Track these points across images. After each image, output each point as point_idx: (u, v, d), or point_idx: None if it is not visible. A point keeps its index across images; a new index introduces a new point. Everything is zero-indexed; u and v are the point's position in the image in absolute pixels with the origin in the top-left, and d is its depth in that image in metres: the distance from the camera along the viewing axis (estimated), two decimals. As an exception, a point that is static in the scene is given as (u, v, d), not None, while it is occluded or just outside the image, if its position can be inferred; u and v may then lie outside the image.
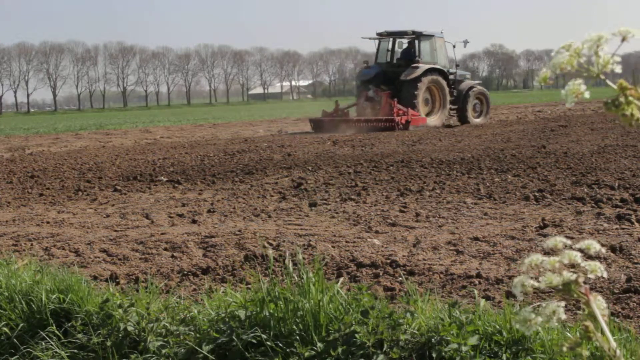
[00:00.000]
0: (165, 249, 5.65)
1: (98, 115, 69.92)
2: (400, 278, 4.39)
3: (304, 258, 4.91)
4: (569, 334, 2.71)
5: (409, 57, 21.33)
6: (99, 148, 18.12)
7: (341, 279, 3.90)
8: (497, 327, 2.87)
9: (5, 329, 3.50)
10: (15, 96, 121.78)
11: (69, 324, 3.42)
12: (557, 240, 0.93)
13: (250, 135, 20.94)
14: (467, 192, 7.87)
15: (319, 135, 19.00)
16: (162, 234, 6.26)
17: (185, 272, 4.88)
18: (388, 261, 4.88)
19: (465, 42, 22.29)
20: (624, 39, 0.86)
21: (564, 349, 0.88)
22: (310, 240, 5.65)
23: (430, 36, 21.50)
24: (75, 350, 3.26)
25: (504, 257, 4.90)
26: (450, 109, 21.68)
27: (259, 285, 3.22)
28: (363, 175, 9.61)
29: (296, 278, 3.27)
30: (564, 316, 0.87)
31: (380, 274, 4.60)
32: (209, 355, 3.02)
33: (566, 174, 8.77)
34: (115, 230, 6.58)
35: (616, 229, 5.63)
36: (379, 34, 21.91)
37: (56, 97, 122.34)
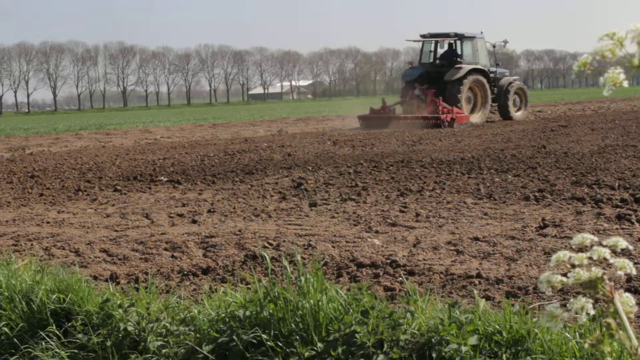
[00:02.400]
0: (166, 249, 5.65)
1: (98, 115, 69.93)
2: (401, 278, 4.39)
3: (304, 258, 4.92)
4: (568, 335, 2.71)
5: (451, 57, 22.37)
6: (99, 148, 18.12)
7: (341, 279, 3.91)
8: (497, 327, 2.87)
9: (5, 329, 3.50)
10: (15, 96, 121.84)
11: (69, 324, 3.42)
12: (584, 237, 0.93)
13: (250, 135, 20.93)
14: (467, 192, 7.87)
15: (319, 136, 19.00)
16: (162, 234, 6.26)
17: (186, 272, 4.88)
18: (388, 261, 4.88)
19: (505, 42, 23.18)
20: None
21: (586, 345, 0.88)
22: (310, 241, 5.65)
23: (471, 37, 22.54)
24: (75, 350, 3.26)
25: (504, 257, 4.90)
26: (492, 105, 22.75)
27: (259, 285, 3.22)
28: (363, 175, 9.61)
29: (294, 278, 3.27)
30: (592, 312, 0.87)
31: (380, 274, 4.60)
32: (209, 355, 3.02)
33: (566, 174, 8.77)
34: (116, 230, 6.58)
35: (616, 229, 5.63)
36: (422, 36, 22.97)
37: (56, 97, 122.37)
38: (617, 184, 7.69)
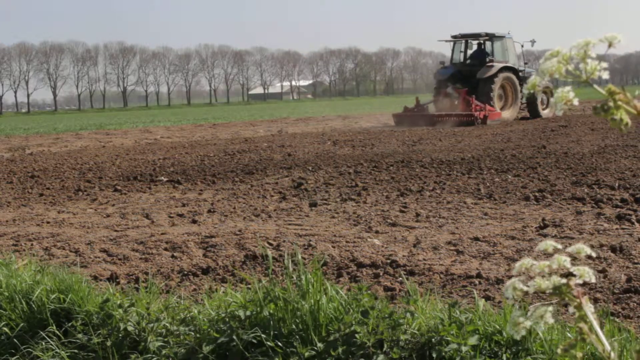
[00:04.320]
0: (166, 249, 5.65)
1: (98, 115, 69.94)
2: (401, 278, 4.39)
3: (304, 258, 4.91)
4: (569, 334, 2.71)
5: (481, 57, 22.99)
6: (99, 148, 18.12)
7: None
8: (497, 327, 2.87)
9: (6, 329, 3.50)
10: (15, 96, 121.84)
11: (69, 324, 3.42)
12: (548, 244, 0.94)
13: (250, 135, 20.93)
14: (467, 192, 7.87)
15: (319, 136, 19.00)
16: (162, 234, 6.26)
17: (186, 272, 4.88)
18: (388, 261, 4.88)
19: (532, 42, 23.60)
20: (610, 45, 0.88)
21: (559, 350, 0.89)
22: (310, 240, 5.65)
23: (501, 37, 23.27)
24: (75, 350, 3.26)
25: (504, 257, 4.90)
26: (521, 103, 23.39)
27: (259, 285, 3.22)
28: (363, 175, 9.61)
29: (295, 278, 3.27)
30: (551, 320, 0.88)
31: (381, 274, 4.60)
32: (209, 355, 3.02)
33: (566, 174, 8.77)
34: (116, 230, 6.58)
35: (616, 229, 5.63)
36: (454, 37, 23.76)
37: (56, 97, 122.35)
38: (617, 184, 7.69)
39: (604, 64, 0.87)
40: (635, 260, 4.65)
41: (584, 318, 0.87)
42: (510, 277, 3.29)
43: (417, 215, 6.62)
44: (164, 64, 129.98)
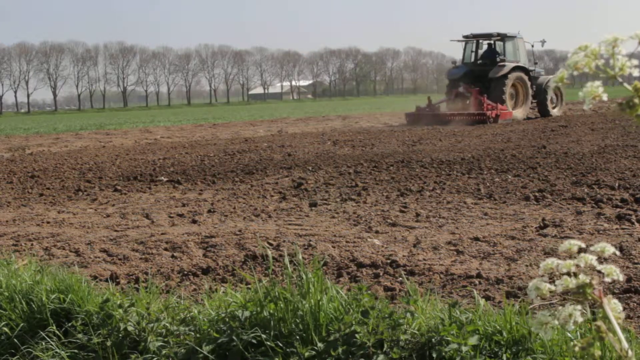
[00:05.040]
0: (166, 249, 5.65)
1: (98, 115, 69.93)
2: (401, 278, 4.39)
3: (304, 258, 4.91)
4: (569, 334, 2.71)
5: (493, 56, 23.36)
6: (99, 148, 18.11)
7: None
8: (497, 327, 2.87)
9: (6, 329, 3.50)
10: (15, 96, 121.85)
11: (69, 324, 3.42)
12: (572, 244, 0.93)
13: (250, 135, 20.93)
14: (467, 192, 7.87)
15: (319, 136, 19.00)
16: (162, 234, 6.26)
17: (186, 272, 4.88)
18: (388, 261, 4.88)
19: (543, 42, 24.11)
20: None
21: (576, 348, 0.89)
22: (310, 241, 5.65)
23: (512, 37, 23.56)
24: (76, 350, 3.26)
25: (504, 257, 4.90)
26: (531, 102, 23.73)
27: (259, 285, 3.22)
28: (363, 176, 9.61)
29: (295, 278, 3.27)
30: (580, 319, 0.88)
31: (381, 274, 4.60)
32: (209, 355, 3.02)
33: (566, 174, 8.77)
34: (116, 230, 6.58)
35: (616, 229, 5.63)
36: (465, 37, 24.03)
37: (56, 97, 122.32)
38: (617, 184, 7.69)
39: (635, 62, 0.88)
40: (635, 260, 4.65)
41: (603, 318, 0.87)
42: (510, 277, 3.26)
43: (417, 215, 6.62)
44: (164, 64, 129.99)
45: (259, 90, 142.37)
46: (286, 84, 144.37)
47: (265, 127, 26.48)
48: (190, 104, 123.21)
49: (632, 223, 5.78)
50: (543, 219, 6.02)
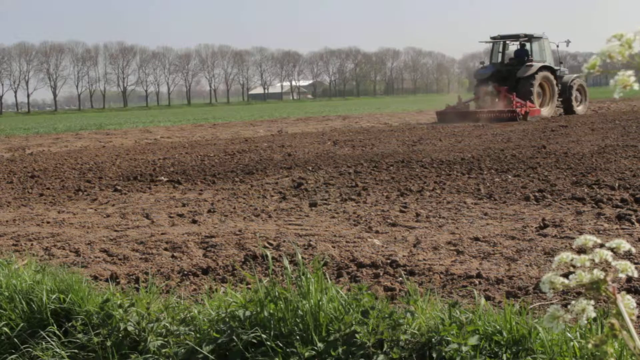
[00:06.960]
0: (166, 249, 5.65)
1: (98, 115, 69.92)
2: (401, 278, 4.39)
3: (304, 258, 4.91)
4: (569, 334, 2.71)
5: (520, 56, 24.26)
6: (99, 148, 18.12)
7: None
8: (498, 327, 2.87)
9: (6, 329, 3.50)
10: (15, 96, 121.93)
11: (69, 324, 3.42)
12: (587, 239, 0.93)
13: (250, 135, 20.93)
14: (467, 192, 7.87)
15: (319, 136, 19.01)
16: (162, 234, 6.26)
17: (186, 272, 4.88)
18: (388, 261, 4.88)
19: (568, 42, 24.78)
20: None
21: (589, 346, 0.88)
22: (310, 240, 5.65)
23: (539, 38, 24.49)
24: (76, 350, 3.26)
25: (504, 257, 4.90)
26: (557, 100, 24.64)
27: (259, 285, 3.22)
28: (363, 176, 9.61)
29: (295, 278, 3.27)
30: (593, 314, 0.87)
31: (381, 274, 4.60)
32: (209, 355, 3.02)
33: (566, 174, 8.77)
34: (116, 230, 6.58)
35: (616, 229, 5.63)
36: (493, 38, 24.95)
37: (56, 97, 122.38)
38: (617, 184, 7.69)
39: None
40: (636, 260, 4.65)
41: (617, 315, 0.86)
42: (510, 277, 3.26)
43: (417, 215, 6.62)
44: (164, 64, 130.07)
45: (259, 90, 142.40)
46: (286, 84, 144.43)
47: (265, 127, 26.48)
48: (190, 104, 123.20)
49: (632, 223, 5.78)
50: (543, 219, 6.02)
